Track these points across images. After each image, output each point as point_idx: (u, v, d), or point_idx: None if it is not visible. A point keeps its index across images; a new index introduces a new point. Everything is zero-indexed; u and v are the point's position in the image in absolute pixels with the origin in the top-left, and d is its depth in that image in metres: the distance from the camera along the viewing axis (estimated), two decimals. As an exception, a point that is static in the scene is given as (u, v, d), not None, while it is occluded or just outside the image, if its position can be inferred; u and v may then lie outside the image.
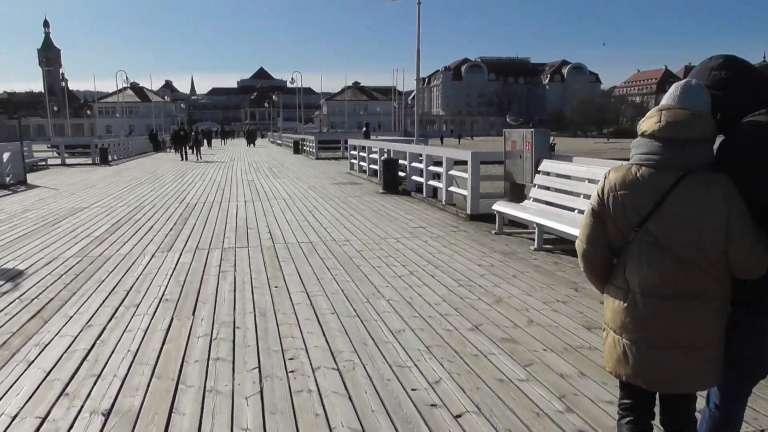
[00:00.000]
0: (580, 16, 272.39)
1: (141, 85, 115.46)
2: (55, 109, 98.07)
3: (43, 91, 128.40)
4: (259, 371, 3.82)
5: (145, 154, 39.82)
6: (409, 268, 6.60)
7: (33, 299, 5.55)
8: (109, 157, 30.04)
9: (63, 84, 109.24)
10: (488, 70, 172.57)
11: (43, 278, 6.34)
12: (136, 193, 14.94)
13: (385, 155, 15.80)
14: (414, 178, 13.78)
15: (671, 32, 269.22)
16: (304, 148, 34.14)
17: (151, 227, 9.58)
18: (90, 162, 29.04)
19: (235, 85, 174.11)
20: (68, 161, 29.39)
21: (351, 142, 21.38)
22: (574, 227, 6.88)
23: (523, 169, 9.27)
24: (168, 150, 40.79)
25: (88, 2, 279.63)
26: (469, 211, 10.13)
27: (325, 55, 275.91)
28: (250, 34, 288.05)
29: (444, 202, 11.37)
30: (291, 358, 4.03)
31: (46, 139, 57.70)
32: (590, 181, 7.53)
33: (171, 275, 6.39)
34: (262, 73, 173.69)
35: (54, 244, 8.21)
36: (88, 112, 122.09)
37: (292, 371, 3.81)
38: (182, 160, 29.21)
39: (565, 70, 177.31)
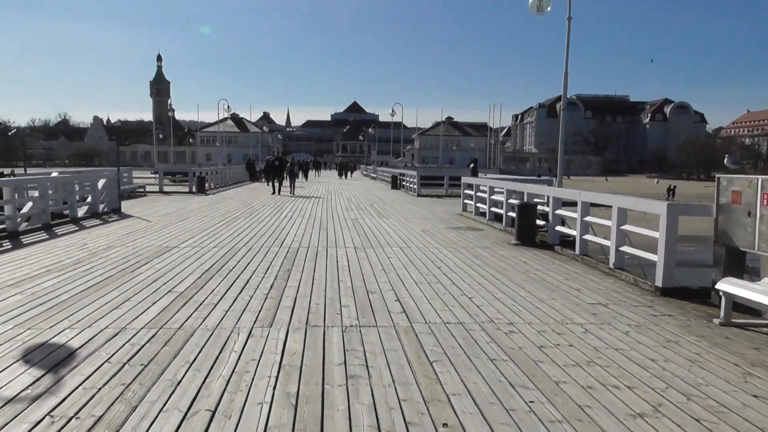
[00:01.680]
0: (681, 53, 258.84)
1: (240, 116, 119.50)
2: (161, 137, 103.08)
3: (152, 119, 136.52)
4: None
5: (242, 183, 39.42)
6: (643, 394, 4.12)
7: (70, 419, 3.56)
8: (206, 186, 29.41)
9: (170, 114, 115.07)
10: (585, 107, 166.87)
11: (97, 370, 4.38)
12: (231, 229, 13.31)
13: (514, 197, 13.41)
14: (558, 228, 11.25)
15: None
16: (403, 183, 32.23)
17: (248, 281, 7.63)
18: (187, 190, 28.43)
19: (328, 118, 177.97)
20: (166, 189, 28.98)
21: (466, 180, 19.07)
22: None
23: (755, 233, 6.58)
24: (263, 181, 40.06)
25: (197, 38, 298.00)
26: (660, 284, 7.49)
27: (417, 91, 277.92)
28: (344, 71, 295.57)
29: (612, 266, 8.76)
30: None
31: (151, 165, 59.84)
32: None
33: (276, 379, 4.25)
34: (354, 107, 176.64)
35: (127, 303, 6.38)
36: (191, 140, 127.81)
37: None
38: (273, 193, 26.68)
39: (667, 109, 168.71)
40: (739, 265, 7.10)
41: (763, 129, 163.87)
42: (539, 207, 12.08)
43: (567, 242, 11.17)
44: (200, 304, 6.40)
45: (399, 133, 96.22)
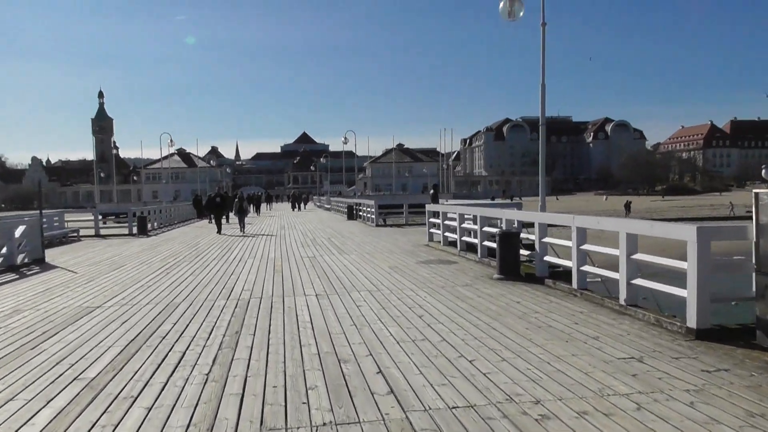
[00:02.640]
0: (619, 73, 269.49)
1: (188, 150, 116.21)
2: (102, 175, 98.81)
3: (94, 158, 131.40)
4: None
5: (189, 221, 37.14)
6: None
7: None
8: (149, 226, 27.17)
9: (114, 152, 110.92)
10: (530, 129, 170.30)
11: None
12: (171, 278, 11.49)
13: (488, 225, 12.10)
14: (548, 259, 9.94)
15: (715, 86, 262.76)
16: (360, 213, 30.73)
17: (183, 355, 5.93)
18: (127, 232, 26.11)
19: (278, 150, 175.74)
20: (104, 231, 26.57)
21: (430, 208, 17.71)
22: None
23: (814, 259, 5.36)
24: (209, 218, 37.72)
25: (140, 72, 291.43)
26: (694, 325, 6.18)
27: (366, 119, 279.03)
28: (293, 101, 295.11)
29: (625, 303, 7.44)
30: None
31: (94, 206, 56.47)
32: None
33: None
34: (304, 138, 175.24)
35: (8, 405, 4.59)
36: (135, 178, 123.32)
37: None
38: (218, 233, 23.93)
39: (608, 128, 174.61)
40: (788, 298, 5.88)
41: (697, 143, 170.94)
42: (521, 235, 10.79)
43: (557, 274, 9.88)
44: (114, 400, 4.67)
45: (351, 162, 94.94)
